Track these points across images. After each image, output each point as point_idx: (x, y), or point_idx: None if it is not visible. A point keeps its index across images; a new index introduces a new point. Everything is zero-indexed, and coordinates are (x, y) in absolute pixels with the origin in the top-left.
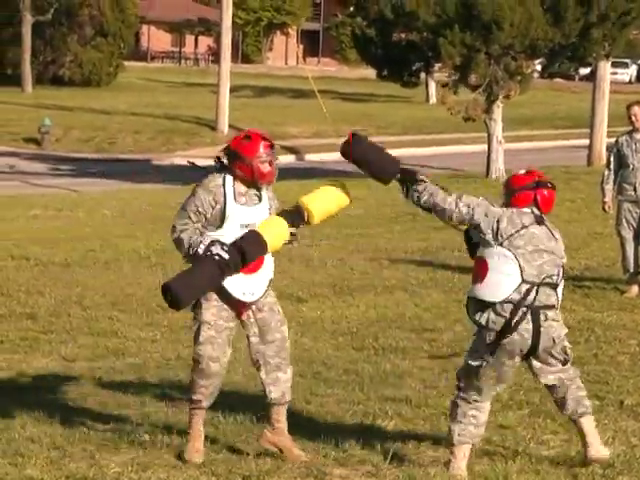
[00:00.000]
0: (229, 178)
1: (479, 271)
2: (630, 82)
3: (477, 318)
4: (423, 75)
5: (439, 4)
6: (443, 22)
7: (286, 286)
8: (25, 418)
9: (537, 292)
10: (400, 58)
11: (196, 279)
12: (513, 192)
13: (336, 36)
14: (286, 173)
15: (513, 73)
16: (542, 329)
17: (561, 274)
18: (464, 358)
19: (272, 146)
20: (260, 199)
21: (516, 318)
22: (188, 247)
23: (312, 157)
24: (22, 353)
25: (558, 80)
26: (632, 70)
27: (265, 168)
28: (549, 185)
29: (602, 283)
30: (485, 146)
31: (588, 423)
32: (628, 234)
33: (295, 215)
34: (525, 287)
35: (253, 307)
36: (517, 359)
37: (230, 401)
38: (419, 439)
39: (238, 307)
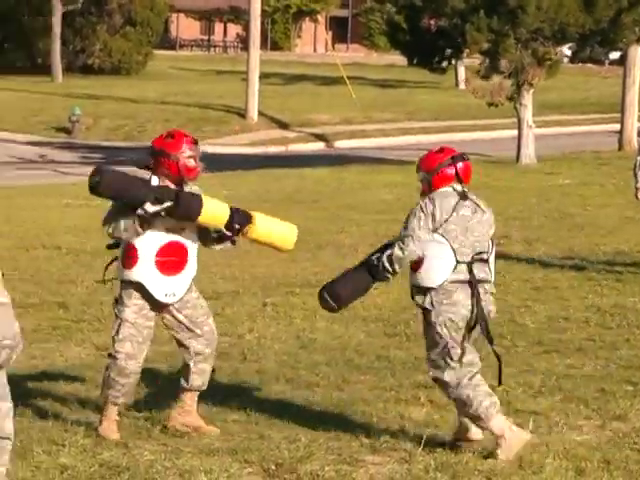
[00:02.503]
0: (154, 179)
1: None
2: None
3: (421, 302)
4: (452, 61)
5: None
6: (471, 7)
7: (317, 273)
8: (58, 406)
9: (472, 269)
10: (429, 44)
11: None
12: (434, 171)
13: (365, 22)
14: (315, 160)
15: (541, 58)
16: (482, 303)
17: (491, 247)
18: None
19: (196, 142)
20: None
21: (460, 295)
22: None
23: (341, 144)
24: (55, 342)
25: (588, 65)
26: None
27: (190, 163)
28: (465, 157)
29: (634, 268)
30: (515, 132)
31: None
32: None
33: (242, 214)
34: (460, 267)
35: (176, 306)
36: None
37: (263, 389)
38: (451, 425)
39: (160, 307)
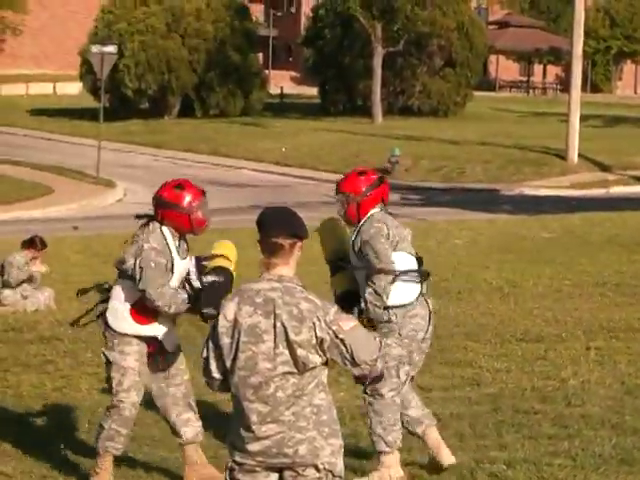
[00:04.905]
0: (166, 231)
1: None
2: None
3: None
4: None
5: None
6: None
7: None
8: None
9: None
10: None
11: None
12: (364, 194)
13: None
14: (638, 203)
15: None
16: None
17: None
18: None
19: (204, 194)
20: (187, 250)
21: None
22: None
23: None
24: None
25: None
26: None
27: (200, 216)
28: (386, 178)
29: None
30: None
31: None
32: None
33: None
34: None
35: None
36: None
37: (588, 434)
38: None
39: (150, 347)
